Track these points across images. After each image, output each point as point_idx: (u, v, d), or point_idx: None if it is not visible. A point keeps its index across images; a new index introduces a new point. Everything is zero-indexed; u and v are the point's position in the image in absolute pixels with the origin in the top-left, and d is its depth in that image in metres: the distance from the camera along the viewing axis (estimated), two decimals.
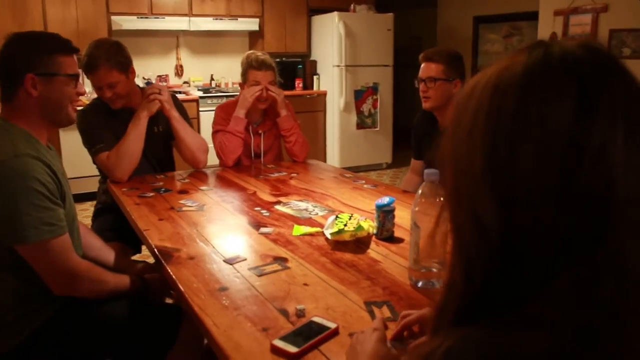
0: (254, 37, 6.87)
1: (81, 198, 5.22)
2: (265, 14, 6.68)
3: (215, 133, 3.05)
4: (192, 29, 6.26)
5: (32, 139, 1.69)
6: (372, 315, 1.30)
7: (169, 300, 2.24)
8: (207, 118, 5.55)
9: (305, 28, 6.99)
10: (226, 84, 6.73)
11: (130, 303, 1.78)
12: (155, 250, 1.77)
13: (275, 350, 1.15)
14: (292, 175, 2.86)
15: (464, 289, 0.62)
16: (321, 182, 2.72)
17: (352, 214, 1.93)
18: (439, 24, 8.09)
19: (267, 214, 2.16)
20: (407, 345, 1.16)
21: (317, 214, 2.15)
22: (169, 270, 1.60)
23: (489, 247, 0.59)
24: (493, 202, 0.58)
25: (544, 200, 0.55)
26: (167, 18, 6.07)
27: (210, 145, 3.02)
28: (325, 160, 6.71)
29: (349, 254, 1.71)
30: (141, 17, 5.92)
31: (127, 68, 2.62)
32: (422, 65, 2.56)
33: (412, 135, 2.87)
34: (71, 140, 5.01)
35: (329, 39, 6.68)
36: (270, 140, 3.15)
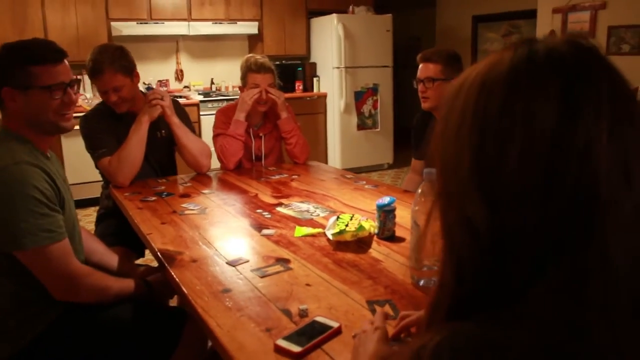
0: (254, 41, 6.88)
1: (84, 204, 5.24)
2: (264, 17, 6.70)
3: (216, 137, 3.07)
4: (191, 33, 6.27)
5: (29, 146, 1.70)
6: (374, 314, 1.31)
7: (172, 303, 2.25)
8: (208, 122, 5.56)
9: (304, 30, 7.01)
10: (226, 88, 6.75)
11: (133, 306, 1.79)
12: (159, 253, 1.78)
13: (278, 350, 1.16)
14: (293, 177, 2.87)
15: (455, 287, 0.62)
16: (322, 184, 2.73)
17: (353, 215, 1.94)
18: (438, 24, 8.11)
19: (269, 215, 2.17)
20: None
21: (318, 215, 2.16)
22: (172, 273, 1.61)
23: (478, 246, 0.59)
24: (481, 202, 0.58)
25: (530, 200, 0.55)
26: (166, 23, 6.09)
27: (212, 148, 3.03)
28: (326, 162, 6.72)
29: (350, 254, 1.72)
30: (141, 23, 5.94)
31: (131, 72, 2.64)
32: (420, 66, 2.57)
33: (412, 135, 2.89)
34: (73, 146, 5.02)
35: (328, 41, 6.69)
36: (271, 143, 3.16)
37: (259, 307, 1.37)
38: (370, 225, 1.86)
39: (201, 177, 2.91)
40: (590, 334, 0.53)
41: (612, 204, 0.54)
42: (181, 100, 5.42)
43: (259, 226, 2.03)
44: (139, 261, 2.68)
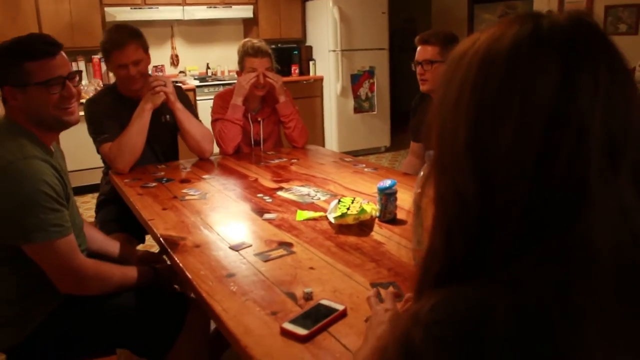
0: (249, 25, 6.84)
1: (81, 191, 5.23)
2: (259, 0, 6.65)
3: (214, 122, 3.06)
4: (186, 18, 6.23)
5: (36, 140, 1.69)
6: (378, 296, 1.32)
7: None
8: (204, 107, 5.53)
9: (299, 14, 6.96)
10: (222, 72, 6.71)
11: (135, 293, 1.80)
12: (161, 239, 1.78)
13: (285, 333, 1.17)
14: (293, 161, 2.87)
15: (444, 253, 0.63)
16: (322, 167, 2.73)
17: (354, 198, 1.95)
18: (434, 5, 8.04)
19: (270, 200, 2.18)
20: None
21: (319, 198, 2.16)
22: (176, 259, 1.62)
23: (468, 217, 0.60)
24: (473, 178, 0.58)
25: (521, 181, 0.56)
26: (160, 8, 6.03)
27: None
28: (323, 146, 6.71)
29: (352, 237, 1.73)
30: (135, 8, 5.88)
31: (147, 50, 2.72)
32: (419, 48, 2.57)
33: (411, 118, 2.89)
34: (70, 133, 4.97)
35: (324, 24, 6.65)
36: (269, 128, 3.16)
37: (264, 291, 1.38)
38: (372, 208, 1.86)
39: (201, 163, 2.91)
40: (569, 295, 0.54)
41: (599, 185, 0.55)
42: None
43: (260, 210, 2.04)
44: (139, 247, 2.69)
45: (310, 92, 6.82)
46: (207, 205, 2.15)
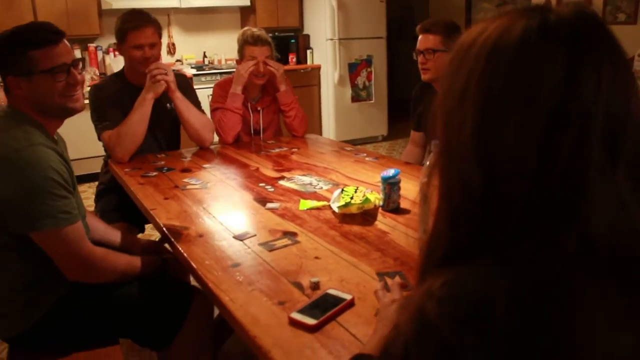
0: (246, 13, 6.79)
1: (78, 180, 5.19)
2: None
3: (213, 111, 3.05)
4: (182, 6, 6.17)
5: (41, 128, 1.68)
6: (385, 286, 1.32)
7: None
8: (201, 95, 5.44)
9: (297, 2, 6.90)
10: (219, 61, 6.66)
11: (139, 283, 1.80)
12: (165, 229, 1.78)
13: (293, 322, 1.17)
14: (293, 150, 2.86)
15: (449, 237, 0.64)
16: (322, 157, 2.72)
17: (357, 187, 1.94)
18: None
19: (272, 189, 2.17)
20: None
21: (321, 188, 2.16)
22: (180, 249, 1.61)
23: (472, 205, 0.61)
24: (478, 168, 0.60)
25: (525, 173, 0.57)
26: None
27: None
28: (321, 134, 6.69)
29: (357, 226, 1.72)
30: None
31: (161, 37, 2.76)
32: (420, 37, 2.55)
33: (412, 107, 2.87)
34: (66, 121, 4.96)
35: (321, 13, 6.61)
36: (269, 117, 3.14)
37: (270, 281, 1.38)
38: (375, 197, 1.86)
39: (201, 152, 2.89)
40: (568, 277, 0.56)
41: (599, 178, 0.56)
42: None
43: (262, 200, 2.03)
44: (140, 236, 2.68)
45: (307, 81, 6.79)
46: (208, 194, 2.14)
